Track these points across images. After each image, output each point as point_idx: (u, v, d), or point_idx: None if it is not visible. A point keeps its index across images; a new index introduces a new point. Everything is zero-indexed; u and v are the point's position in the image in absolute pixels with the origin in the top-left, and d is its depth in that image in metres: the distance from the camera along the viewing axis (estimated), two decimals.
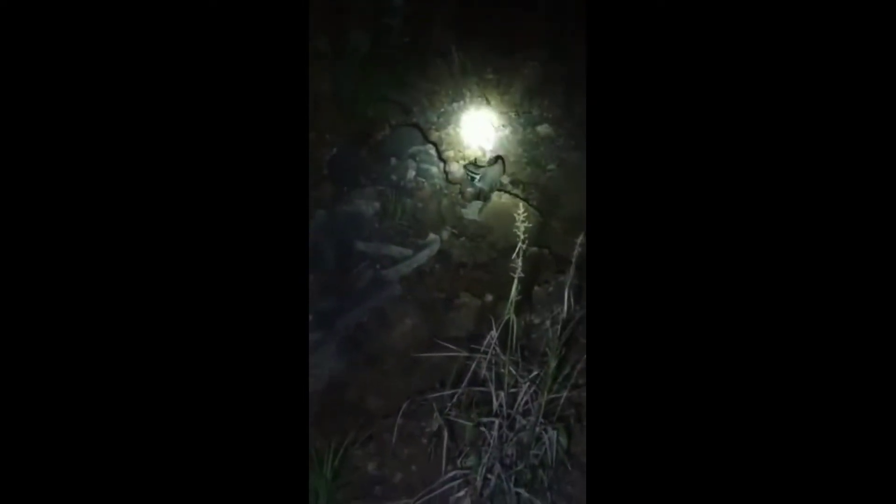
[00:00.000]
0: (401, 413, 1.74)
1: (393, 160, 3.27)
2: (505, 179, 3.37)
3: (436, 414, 1.74)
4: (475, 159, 3.39)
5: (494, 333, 1.56)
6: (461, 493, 1.69)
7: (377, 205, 2.99)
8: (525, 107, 3.79)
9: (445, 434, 1.69)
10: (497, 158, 3.32)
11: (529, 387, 1.63)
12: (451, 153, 3.53)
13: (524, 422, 1.65)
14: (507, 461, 1.66)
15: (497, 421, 1.61)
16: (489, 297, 2.59)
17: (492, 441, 1.62)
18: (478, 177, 3.21)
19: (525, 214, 1.44)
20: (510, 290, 1.49)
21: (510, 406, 1.64)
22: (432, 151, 3.36)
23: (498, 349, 1.58)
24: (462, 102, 3.81)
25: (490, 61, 3.99)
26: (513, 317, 1.54)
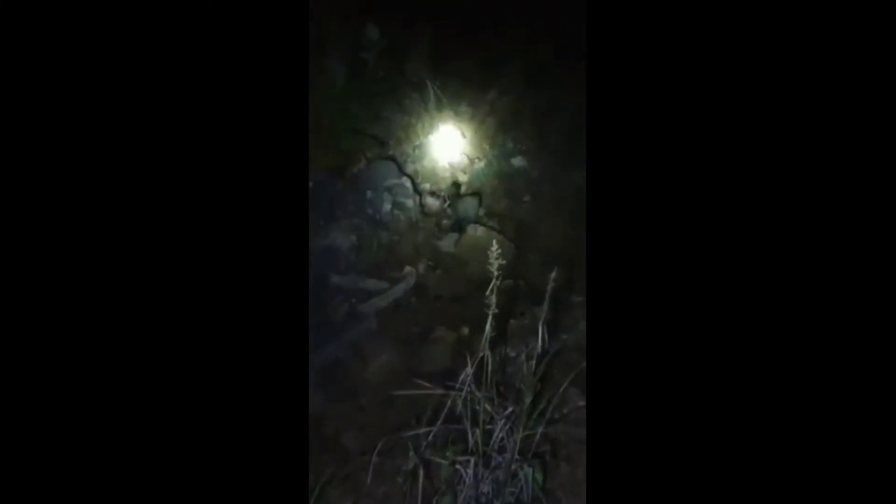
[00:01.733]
0: (376, 451, 1.72)
1: (369, 193, 3.28)
2: (481, 212, 3.39)
3: (411, 452, 1.73)
4: (453, 183, 3.38)
5: (469, 370, 1.55)
6: None
7: (353, 238, 3.00)
8: (499, 139, 3.83)
9: (421, 473, 1.67)
10: (474, 195, 3.33)
11: (505, 423, 1.62)
12: (426, 186, 3.55)
13: (500, 459, 1.64)
14: (483, 499, 1.65)
15: (472, 459, 1.60)
16: (465, 330, 2.59)
17: (467, 479, 1.61)
18: (448, 202, 3.20)
19: (499, 251, 1.44)
20: (486, 323, 1.49)
21: (486, 443, 1.63)
22: (408, 184, 3.38)
23: (473, 386, 1.58)
24: (437, 135, 3.84)
25: (465, 95, 4.04)
26: (487, 353, 1.54)
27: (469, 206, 3.27)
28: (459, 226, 3.19)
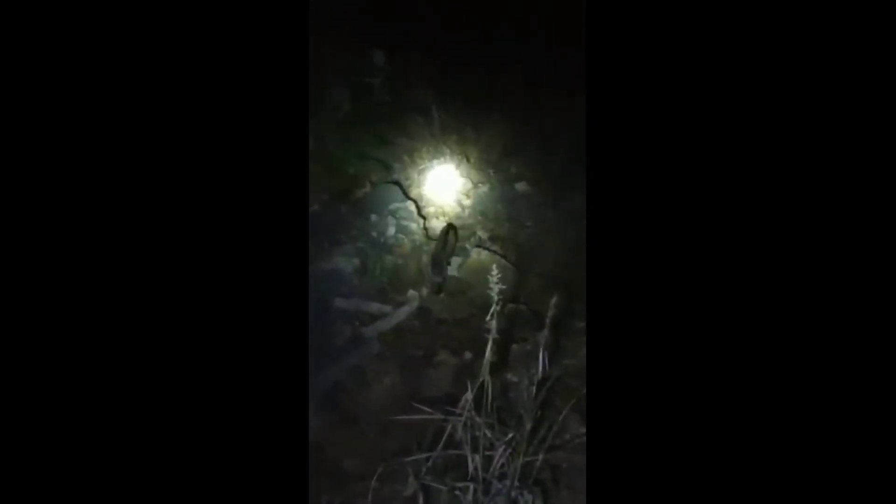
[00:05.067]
0: (376, 476, 1.71)
1: (373, 217, 3.29)
2: (484, 235, 3.39)
3: (411, 478, 1.72)
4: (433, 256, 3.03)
5: (469, 396, 1.55)
6: None
7: (357, 261, 3.00)
8: (503, 164, 3.85)
9: (421, 499, 1.67)
10: (447, 229, 3.06)
11: (505, 449, 1.62)
12: (430, 209, 3.56)
13: (500, 486, 1.63)
14: None
15: (472, 485, 1.59)
16: (468, 355, 2.58)
17: None
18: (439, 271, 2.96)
19: (499, 275, 1.45)
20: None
21: (485, 469, 1.62)
22: (412, 208, 3.39)
23: (473, 411, 1.58)
24: (442, 160, 3.87)
25: (469, 119, 4.07)
26: (487, 378, 1.54)
27: (447, 249, 3.05)
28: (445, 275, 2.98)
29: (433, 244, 3.23)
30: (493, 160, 3.89)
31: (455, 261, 3.14)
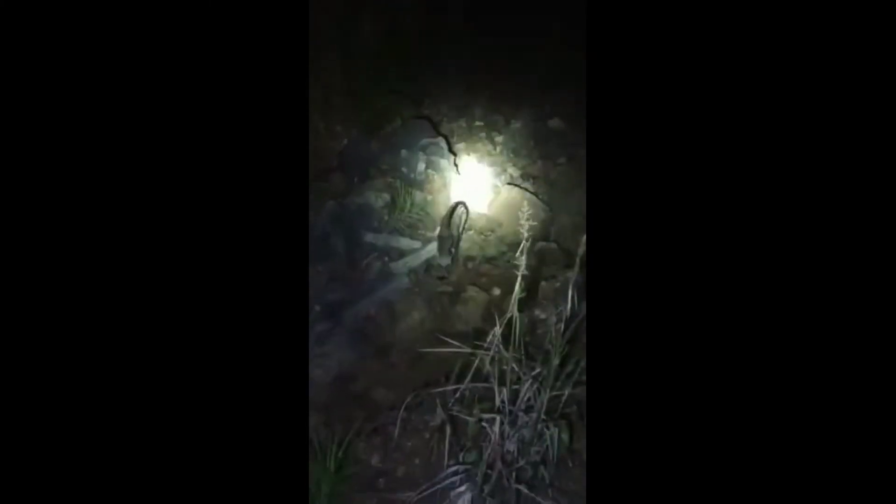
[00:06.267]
0: (405, 406, 1.75)
1: (403, 152, 3.27)
2: (515, 172, 3.36)
3: (439, 408, 1.75)
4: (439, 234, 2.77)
5: (498, 330, 1.56)
6: (462, 488, 1.70)
7: (387, 197, 3.00)
8: (537, 100, 3.78)
9: (448, 429, 1.70)
10: (454, 207, 2.83)
11: (532, 384, 1.63)
12: (461, 146, 3.52)
13: (526, 418, 1.65)
14: (509, 457, 1.67)
15: (499, 417, 1.62)
16: (496, 292, 2.59)
17: (493, 437, 1.62)
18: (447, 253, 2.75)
19: (530, 212, 1.44)
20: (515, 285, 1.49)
21: (512, 402, 1.64)
22: (443, 144, 3.36)
23: (501, 346, 1.59)
24: (473, 95, 3.80)
25: (502, 51, 3.98)
26: (516, 313, 1.54)
27: (453, 229, 2.83)
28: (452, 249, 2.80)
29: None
30: (526, 96, 3.82)
31: (486, 198, 3.12)
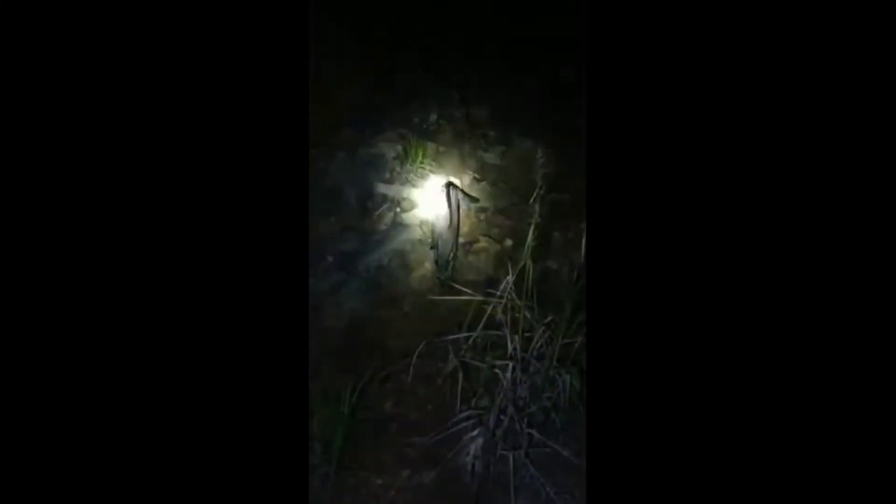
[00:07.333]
0: (417, 354, 1.77)
1: (415, 103, 3.24)
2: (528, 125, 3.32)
3: (451, 356, 1.77)
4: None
5: (510, 278, 1.57)
6: (474, 433, 1.73)
7: (399, 148, 2.99)
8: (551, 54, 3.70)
9: (460, 375, 1.73)
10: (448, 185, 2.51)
11: (544, 331, 1.65)
12: (474, 97, 3.48)
13: (538, 365, 1.67)
14: (520, 403, 1.70)
15: (511, 364, 1.64)
16: (508, 242, 2.60)
17: (505, 383, 1.65)
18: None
19: (544, 160, 1.43)
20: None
21: (524, 350, 1.66)
22: (455, 95, 3.32)
23: (514, 294, 1.60)
24: (489, 45, 3.73)
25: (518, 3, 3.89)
26: (529, 262, 1.55)
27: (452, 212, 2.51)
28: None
29: (475, 132, 3.16)
30: (542, 47, 3.74)
31: (497, 149, 3.09)
